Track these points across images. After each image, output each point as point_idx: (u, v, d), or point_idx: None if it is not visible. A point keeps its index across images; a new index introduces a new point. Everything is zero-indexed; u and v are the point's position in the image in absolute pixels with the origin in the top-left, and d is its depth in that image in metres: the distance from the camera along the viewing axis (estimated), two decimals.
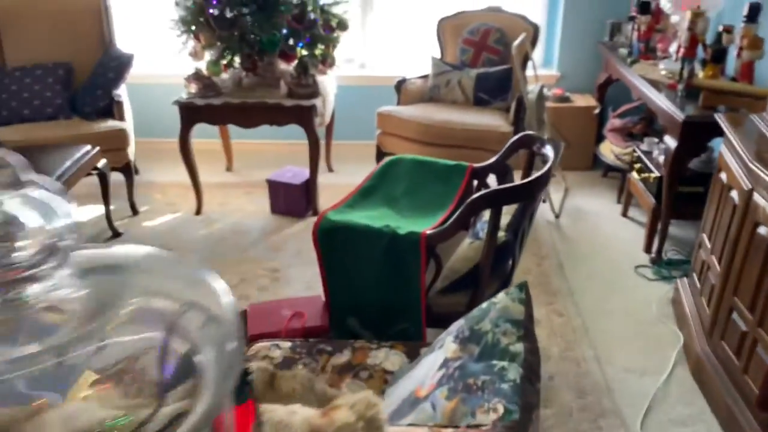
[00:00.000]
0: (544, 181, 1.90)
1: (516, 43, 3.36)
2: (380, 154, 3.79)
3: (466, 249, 2.02)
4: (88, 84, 3.73)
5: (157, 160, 4.39)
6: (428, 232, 1.89)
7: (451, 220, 1.85)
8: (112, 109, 3.63)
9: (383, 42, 4.52)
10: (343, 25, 3.63)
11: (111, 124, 3.53)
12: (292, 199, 3.63)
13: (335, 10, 3.64)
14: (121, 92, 3.68)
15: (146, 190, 4.06)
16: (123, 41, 4.08)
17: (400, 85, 3.90)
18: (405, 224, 2.04)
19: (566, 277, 3.04)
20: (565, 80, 4.38)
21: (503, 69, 3.74)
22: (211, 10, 3.31)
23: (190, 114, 3.46)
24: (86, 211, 3.77)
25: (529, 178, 1.85)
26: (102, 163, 3.27)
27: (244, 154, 4.65)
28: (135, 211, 3.72)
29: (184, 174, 3.66)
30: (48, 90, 3.66)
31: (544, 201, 3.78)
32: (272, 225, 3.58)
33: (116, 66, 3.72)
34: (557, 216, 3.65)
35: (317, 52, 3.53)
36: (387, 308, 2.03)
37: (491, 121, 3.48)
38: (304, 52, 3.52)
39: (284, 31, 3.37)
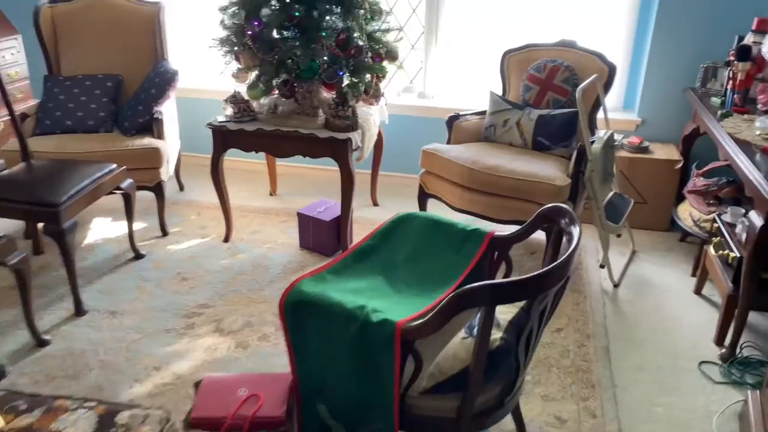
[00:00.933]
0: (557, 274, 1.51)
1: (582, 85, 2.94)
2: (423, 195, 3.47)
3: (457, 346, 1.66)
4: (132, 99, 3.67)
5: (204, 177, 4.29)
6: (404, 325, 1.56)
7: (432, 313, 1.51)
8: (152, 126, 3.53)
9: (445, 72, 4.19)
10: (392, 55, 3.34)
11: (146, 142, 3.43)
12: (320, 236, 3.38)
13: (386, 38, 3.37)
14: (164, 109, 3.58)
15: (184, 209, 3.94)
16: (177, 55, 4.00)
17: (453, 121, 3.56)
18: (388, 306, 1.71)
19: (611, 366, 2.58)
20: (645, 127, 3.87)
21: (569, 112, 3.31)
22: (250, 32, 3.13)
23: (223, 138, 3.29)
24: (116, 227, 3.69)
25: (537, 272, 1.47)
26: (127, 183, 3.16)
27: (292, 179, 4.47)
28: (164, 232, 3.60)
29: (232, 197, 3.51)
30: (94, 102, 3.61)
31: (602, 266, 3.31)
32: (297, 262, 3.33)
33: (160, 82, 3.62)
34: (616, 285, 3.17)
35: (362, 82, 3.26)
36: (359, 402, 1.71)
37: (546, 171, 3.06)
38: (347, 81, 3.26)
39: (325, 57, 3.13)
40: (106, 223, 3.75)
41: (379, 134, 3.86)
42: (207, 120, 3.38)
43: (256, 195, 4.18)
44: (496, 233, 2.07)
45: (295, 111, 3.31)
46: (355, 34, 3.19)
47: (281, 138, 3.21)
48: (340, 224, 3.36)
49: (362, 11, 3.18)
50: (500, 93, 3.75)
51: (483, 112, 3.65)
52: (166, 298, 2.98)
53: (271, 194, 4.21)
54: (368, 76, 3.31)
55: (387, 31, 3.38)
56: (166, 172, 3.55)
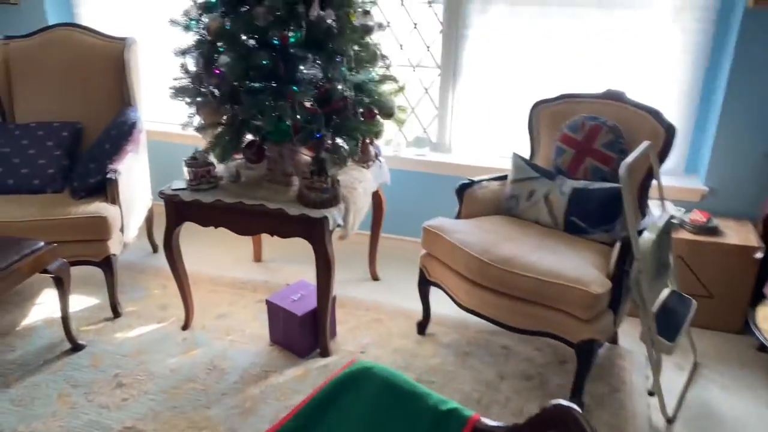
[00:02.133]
0: None
1: (629, 160, 2.20)
2: (424, 282, 2.78)
3: None
4: (86, 154, 3.12)
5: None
6: None
7: None
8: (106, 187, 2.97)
9: (464, 122, 3.49)
10: (387, 111, 2.68)
11: (93, 208, 2.86)
12: (292, 332, 2.72)
13: (381, 89, 2.71)
14: (122, 167, 3.01)
15: (150, 278, 3.37)
16: (156, 92, 3.45)
17: (464, 190, 2.85)
18: None
19: None
20: (714, 199, 3.07)
21: (613, 188, 2.57)
22: (210, 83, 2.52)
23: (177, 209, 2.69)
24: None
25: None
26: (57, 264, 2.59)
27: (282, 241, 3.84)
28: (116, 313, 3.02)
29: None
30: (44, 155, 3.08)
31: (651, 394, 2.53)
32: (261, 365, 2.68)
33: (116, 135, 3.06)
34: (670, 420, 2.39)
35: (347, 144, 2.60)
36: None
37: (579, 268, 2.33)
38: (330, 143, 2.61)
39: (299, 116, 2.49)
40: (56, 297, 3.20)
41: (379, 196, 3.19)
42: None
43: (236, 260, 3.57)
44: (481, 420, 1.37)
45: (265, 178, 2.68)
46: (339, 86, 2.54)
47: (244, 213, 2.58)
48: (318, 319, 2.70)
49: (347, 57, 2.53)
50: (527, 155, 3.03)
51: (504, 177, 2.94)
52: (89, 416, 2.37)
53: (255, 260, 3.60)
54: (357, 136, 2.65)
55: (382, 81, 2.72)
56: (118, 243, 2.97)
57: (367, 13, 2.61)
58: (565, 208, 2.65)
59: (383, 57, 2.82)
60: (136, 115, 3.13)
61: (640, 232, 2.34)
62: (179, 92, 2.64)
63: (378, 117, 2.70)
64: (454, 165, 3.43)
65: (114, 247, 2.92)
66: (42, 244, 2.56)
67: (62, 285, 2.66)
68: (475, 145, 3.51)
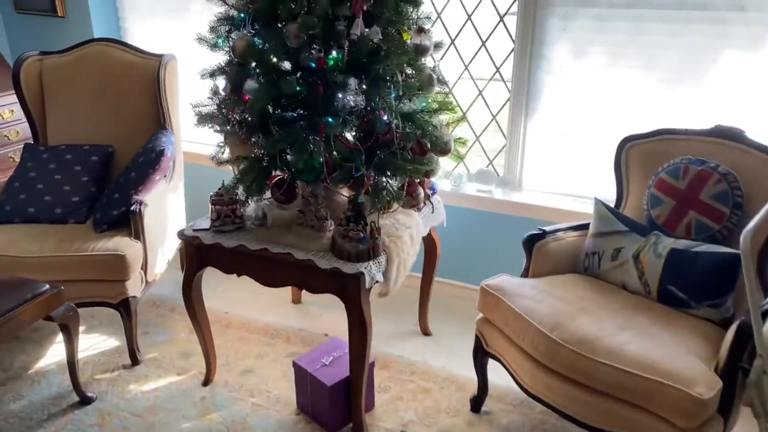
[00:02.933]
0: None
1: (752, 225, 1.66)
2: (480, 353, 2.32)
3: None
4: (113, 183, 2.85)
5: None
6: None
7: None
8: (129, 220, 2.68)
9: (538, 157, 3.00)
10: (442, 148, 2.25)
11: (111, 245, 2.57)
12: (321, 402, 2.32)
13: (436, 120, 2.28)
14: (149, 198, 2.71)
15: (177, 319, 3.06)
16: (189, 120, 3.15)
17: (534, 242, 2.37)
18: None
19: None
20: None
21: (725, 254, 2.02)
22: (235, 112, 2.18)
23: (197, 253, 2.36)
24: (88, 342, 2.84)
25: None
26: (62, 310, 2.30)
27: None
28: (135, 360, 2.72)
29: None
30: (69, 182, 2.84)
31: None
32: None
33: (143, 163, 2.77)
34: None
35: (390, 186, 2.18)
36: None
37: (679, 359, 1.81)
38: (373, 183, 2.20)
39: (335, 152, 2.09)
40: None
41: (433, 239, 2.76)
42: None
43: (272, 301, 3.20)
44: None
45: (296, 221, 2.30)
46: (384, 117, 2.13)
47: (268, 261, 2.21)
48: (351, 390, 2.29)
49: (396, 83, 2.12)
50: (613, 201, 2.51)
51: (584, 227, 2.44)
52: None
53: (294, 302, 3.23)
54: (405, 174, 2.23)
55: (438, 110, 2.29)
56: (138, 284, 2.67)
57: (422, 30, 2.19)
58: (660, 273, 2.12)
59: (441, 82, 2.39)
60: (167, 140, 2.82)
61: (764, 316, 1.79)
62: (204, 119, 2.31)
63: (430, 153, 2.27)
64: (523, 205, 2.95)
65: (133, 288, 2.62)
66: (46, 287, 2.28)
67: (69, 333, 2.37)
68: (549, 184, 3.01)
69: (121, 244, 2.59)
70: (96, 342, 2.88)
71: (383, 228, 2.27)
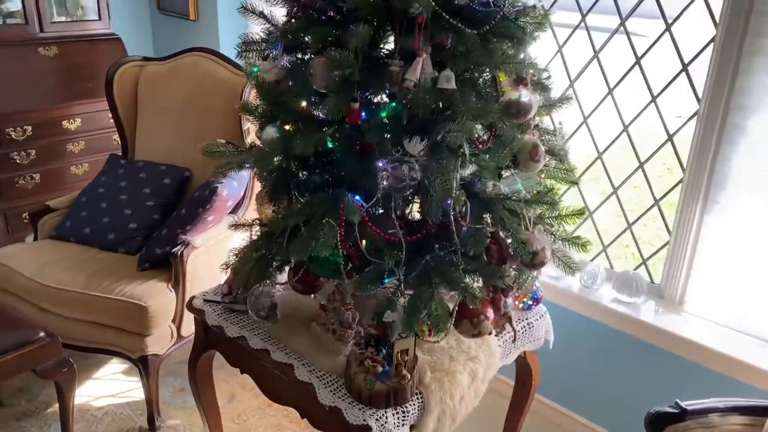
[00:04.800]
0: None
1: None
2: None
3: None
4: (177, 213, 2.49)
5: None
6: None
7: None
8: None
9: (714, 268, 2.03)
10: (528, 260, 1.48)
11: (139, 291, 2.20)
12: None
13: (540, 207, 1.52)
14: (200, 240, 2.31)
15: (219, 379, 2.62)
16: None
17: (664, 425, 1.49)
18: None
19: None
20: None
21: None
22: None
23: (204, 331, 1.87)
24: (121, 387, 2.52)
25: None
26: (47, 365, 1.96)
27: None
28: (152, 426, 2.33)
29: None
30: (133, 204, 2.54)
31: None
32: None
33: (197, 198, 2.36)
34: None
35: (439, 302, 1.47)
36: None
37: None
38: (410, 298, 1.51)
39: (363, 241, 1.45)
40: (107, 385, 2.60)
41: (528, 365, 1.97)
42: None
43: None
44: None
45: (318, 318, 1.69)
46: (448, 199, 1.44)
47: (270, 368, 1.64)
48: None
49: (463, 156, 1.41)
50: None
51: (762, 411, 1.50)
52: None
53: None
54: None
55: (537, 200, 1.53)
56: (165, 340, 2.27)
57: (521, 81, 1.44)
58: None
59: (556, 155, 1.62)
60: (231, 175, 2.39)
61: None
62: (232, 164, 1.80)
63: (512, 264, 1.52)
64: (679, 339, 2.01)
65: (155, 345, 2.23)
66: (40, 335, 1.95)
67: (61, 390, 2.03)
68: (725, 312, 2.03)
69: (151, 291, 2.21)
70: (128, 388, 2.55)
71: (427, 355, 1.58)
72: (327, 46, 1.41)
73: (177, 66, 2.77)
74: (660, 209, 2.17)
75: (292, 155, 1.48)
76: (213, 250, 2.38)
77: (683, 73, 2.01)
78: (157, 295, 2.20)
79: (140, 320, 2.16)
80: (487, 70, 1.46)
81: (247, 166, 1.57)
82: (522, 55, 1.45)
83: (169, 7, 3.57)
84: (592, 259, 2.34)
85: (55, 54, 3.11)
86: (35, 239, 2.61)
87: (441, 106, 1.44)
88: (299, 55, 1.52)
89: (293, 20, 1.54)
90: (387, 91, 1.44)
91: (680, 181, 2.07)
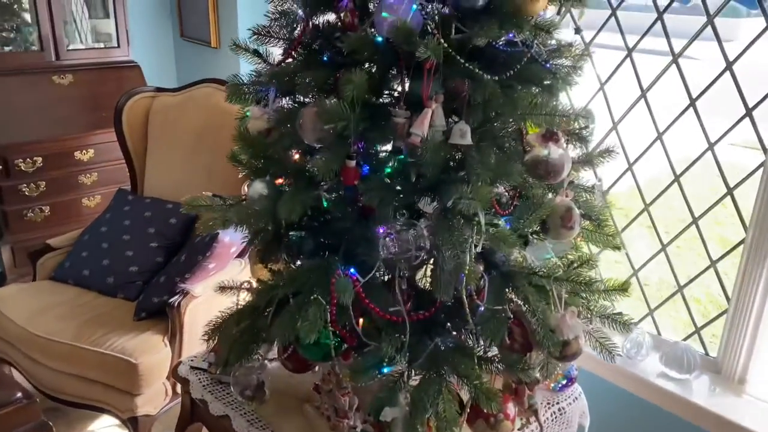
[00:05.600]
0: None
1: None
2: None
3: None
4: (177, 259, 2.31)
5: None
6: None
7: None
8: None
9: None
10: (553, 350, 1.22)
11: (130, 345, 2.02)
12: None
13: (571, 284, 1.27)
14: (199, 288, 2.12)
15: None
16: None
17: None
18: None
19: None
20: None
21: None
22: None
23: (190, 402, 1.67)
24: None
25: None
26: (21, 430, 1.78)
27: None
28: None
29: None
30: (135, 246, 2.38)
31: None
32: None
33: (197, 245, 2.18)
34: None
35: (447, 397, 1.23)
36: None
37: None
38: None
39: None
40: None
41: None
42: None
43: None
44: None
45: (312, 402, 1.47)
46: (461, 271, 1.20)
47: None
48: None
49: (480, 227, 1.17)
50: None
51: None
52: None
53: None
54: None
55: (568, 278, 1.28)
56: (157, 399, 2.08)
57: (553, 136, 1.20)
58: None
59: (594, 220, 1.37)
60: None
61: None
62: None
63: (537, 353, 1.27)
64: (739, 428, 1.72)
65: (146, 405, 2.04)
66: (18, 396, 1.77)
67: None
68: None
69: (144, 345, 2.03)
70: None
71: None
72: (325, 92, 1.21)
73: (189, 98, 2.62)
74: (717, 272, 1.88)
75: (276, 213, 1.27)
76: (215, 299, 2.17)
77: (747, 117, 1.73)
78: (150, 351, 2.02)
79: (130, 378, 1.98)
80: (511, 120, 1.23)
81: (232, 226, 1.36)
82: (553, 104, 1.21)
83: (192, 33, 3.45)
84: (637, 323, 2.05)
85: (70, 82, 3.01)
86: (34, 279, 2.47)
87: (455, 161, 1.22)
88: (294, 100, 1.32)
89: (289, 60, 1.35)
90: (390, 146, 1.23)
91: (742, 242, 1.78)
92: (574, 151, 1.30)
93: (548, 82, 1.21)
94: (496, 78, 1.17)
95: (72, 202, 3.00)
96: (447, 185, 1.18)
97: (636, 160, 1.96)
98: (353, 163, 1.17)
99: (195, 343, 2.10)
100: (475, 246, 1.15)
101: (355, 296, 1.20)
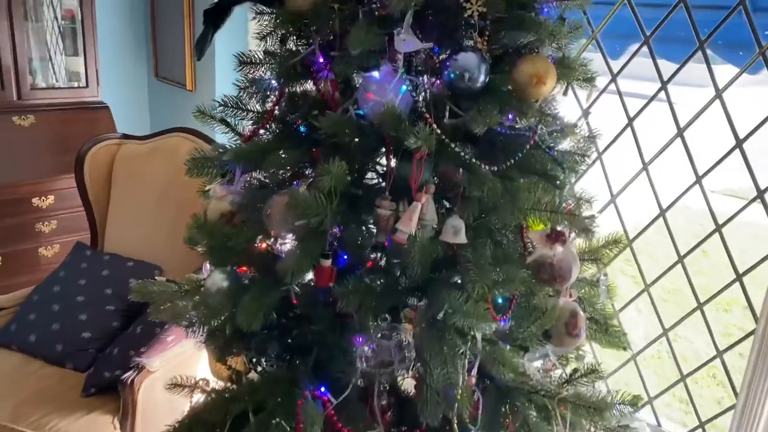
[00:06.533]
0: None
1: None
2: None
3: None
4: (132, 328, 2.10)
5: None
6: None
7: None
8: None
9: None
10: None
11: (78, 426, 1.80)
12: None
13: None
14: (157, 363, 1.92)
15: None
16: None
17: None
18: None
19: None
20: None
21: None
22: None
23: None
24: None
25: None
26: None
27: None
28: None
29: None
30: (90, 308, 2.16)
31: None
32: None
33: None
34: None
35: None
36: None
37: None
38: None
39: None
40: None
41: None
42: None
43: None
44: None
45: None
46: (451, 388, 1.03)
47: None
48: None
49: (472, 340, 1.01)
50: None
51: None
52: None
53: None
54: None
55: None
56: None
57: (559, 237, 1.05)
58: None
59: (602, 325, 1.21)
60: None
61: None
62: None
63: None
64: None
65: None
66: None
67: None
68: None
69: (91, 428, 1.81)
70: None
71: None
72: (297, 176, 1.05)
73: (158, 147, 2.44)
74: (724, 363, 1.73)
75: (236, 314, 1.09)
76: (174, 372, 1.98)
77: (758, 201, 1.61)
78: None
79: None
80: (511, 215, 1.07)
81: (184, 323, 1.18)
82: (559, 200, 1.06)
83: (167, 74, 3.29)
84: (636, 410, 1.89)
85: (31, 123, 2.82)
86: None
87: (446, 257, 1.06)
88: (263, 182, 1.15)
89: (260, 133, 1.18)
90: (373, 242, 1.06)
91: (751, 333, 1.64)
92: (575, 248, 1.15)
93: (553, 174, 1.06)
94: (495, 168, 1.02)
95: (27, 252, 2.78)
96: (437, 287, 1.02)
97: (636, 237, 1.82)
98: (328, 262, 1.00)
99: (150, 425, 1.89)
100: (470, 365, 0.98)
101: (326, 418, 1.02)
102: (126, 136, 2.55)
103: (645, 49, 1.75)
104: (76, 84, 3.03)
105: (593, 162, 1.76)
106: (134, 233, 2.41)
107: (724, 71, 1.71)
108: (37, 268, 2.77)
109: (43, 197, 2.76)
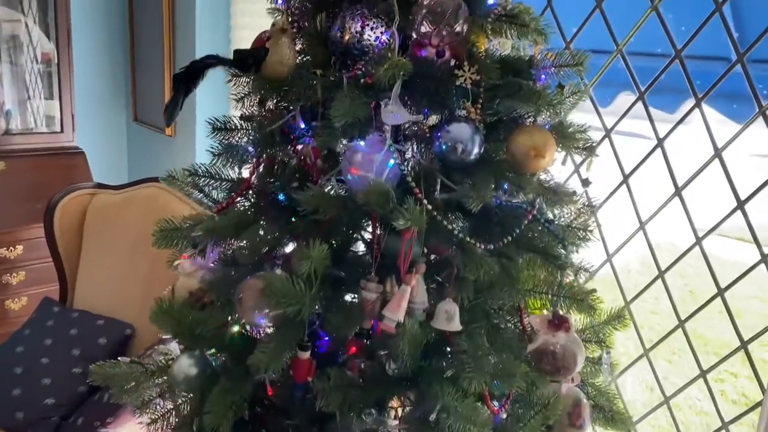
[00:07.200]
0: None
1: None
2: None
3: None
4: (99, 396, 1.97)
5: None
6: None
7: None
8: None
9: None
10: None
11: None
12: None
13: None
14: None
15: None
16: None
17: None
18: None
19: None
20: None
21: None
22: None
23: None
24: None
25: None
26: None
27: None
28: None
29: None
30: (55, 371, 2.01)
31: None
32: None
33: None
34: None
35: None
36: None
37: None
38: None
39: None
40: None
41: None
42: None
43: None
44: None
45: None
46: None
47: None
48: None
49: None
50: None
51: None
52: None
53: None
54: None
55: None
56: None
57: (562, 323, 0.96)
58: None
59: (606, 411, 1.11)
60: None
61: None
62: None
63: None
64: None
65: None
66: None
67: None
68: None
69: None
70: None
71: None
72: (274, 258, 0.95)
73: (132, 198, 2.33)
74: (750, 361, 1.63)
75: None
76: None
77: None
78: None
79: None
80: (509, 297, 0.98)
81: (147, 412, 1.06)
82: (560, 281, 0.97)
83: (146, 118, 3.20)
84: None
85: (1, 170, 2.70)
86: None
87: (438, 342, 0.97)
88: (235, 259, 1.05)
89: (236, 203, 1.09)
90: (357, 329, 0.96)
91: (759, 403, 1.55)
92: (577, 333, 1.05)
93: (553, 252, 0.97)
94: (492, 246, 0.93)
95: None
96: (429, 378, 0.92)
97: (634, 299, 1.74)
98: (307, 354, 0.90)
99: None
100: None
101: None
102: (100, 185, 2.44)
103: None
104: (52, 128, 2.93)
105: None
106: (105, 288, 2.28)
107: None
108: (3, 322, 2.63)
109: (11, 247, 2.63)
